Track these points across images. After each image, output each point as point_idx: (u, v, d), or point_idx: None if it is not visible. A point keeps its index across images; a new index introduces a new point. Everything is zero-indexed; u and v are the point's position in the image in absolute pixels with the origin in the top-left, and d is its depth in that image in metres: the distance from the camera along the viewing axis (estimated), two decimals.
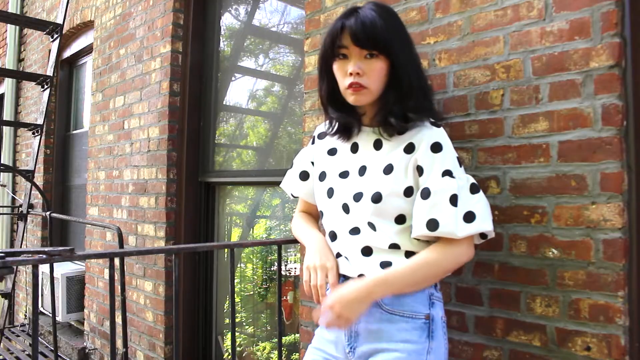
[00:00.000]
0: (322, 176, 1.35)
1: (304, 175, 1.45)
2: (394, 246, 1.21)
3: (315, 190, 1.38)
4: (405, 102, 1.21)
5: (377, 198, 1.20)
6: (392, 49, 1.20)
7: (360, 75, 1.19)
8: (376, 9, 1.21)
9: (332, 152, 1.36)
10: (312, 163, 1.43)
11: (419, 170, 1.20)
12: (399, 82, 1.22)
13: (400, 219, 1.21)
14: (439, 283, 1.28)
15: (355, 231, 1.25)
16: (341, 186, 1.29)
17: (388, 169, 1.22)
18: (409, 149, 1.21)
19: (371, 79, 1.20)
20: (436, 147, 1.19)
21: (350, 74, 1.20)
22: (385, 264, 1.21)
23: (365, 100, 1.23)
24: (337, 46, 1.21)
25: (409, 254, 1.21)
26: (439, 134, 1.21)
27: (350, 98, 1.23)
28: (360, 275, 1.23)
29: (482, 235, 1.23)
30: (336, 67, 1.24)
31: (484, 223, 1.17)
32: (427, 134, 1.21)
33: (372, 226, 1.22)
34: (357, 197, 1.24)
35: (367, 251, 1.23)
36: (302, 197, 1.48)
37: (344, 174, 1.30)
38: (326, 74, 1.28)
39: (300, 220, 1.46)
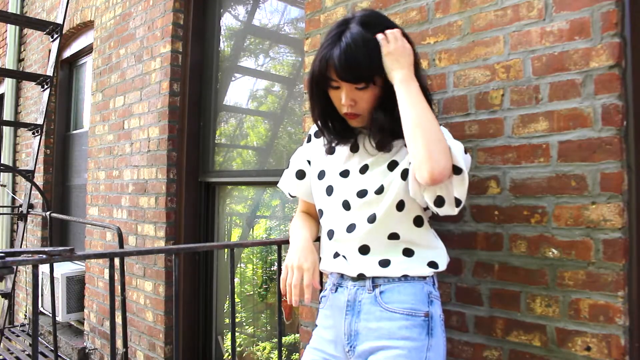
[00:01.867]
0: (321, 175, 1.36)
1: (301, 174, 1.45)
2: (394, 236, 1.24)
3: (314, 189, 1.39)
4: (388, 128, 1.23)
5: (379, 191, 1.23)
6: (380, 77, 1.21)
7: (353, 106, 1.23)
8: (362, 30, 1.18)
9: (331, 150, 1.37)
10: (309, 162, 1.43)
11: None
12: (386, 107, 1.23)
13: (400, 205, 1.23)
14: (437, 282, 1.29)
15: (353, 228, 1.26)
16: (341, 184, 1.30)
17: (392, 165, 1.25)
18: None
19: (364, 106, 1.24)
20: None
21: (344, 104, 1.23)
22: (384, 262, 1.23)
23: (362, 122, 1.28)
24: (327, 79, 1.22)
25: (407, 251, 1.24)
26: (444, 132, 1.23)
27: (350, 122, 1.28)
28: (360, 275, 1.25)
29: (457, 203, 1.18)
30: (331, 95, 1.26)
31: (461, 160, 1.15)
32: None
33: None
34: (362, 194, 1.26)
35: (365, 249, 1.26)
36: (299, 196, 1.49)
37: (344, 173, 1.31)
38: (317, 98, 1.29)
39: (297, 220, 1.46)
